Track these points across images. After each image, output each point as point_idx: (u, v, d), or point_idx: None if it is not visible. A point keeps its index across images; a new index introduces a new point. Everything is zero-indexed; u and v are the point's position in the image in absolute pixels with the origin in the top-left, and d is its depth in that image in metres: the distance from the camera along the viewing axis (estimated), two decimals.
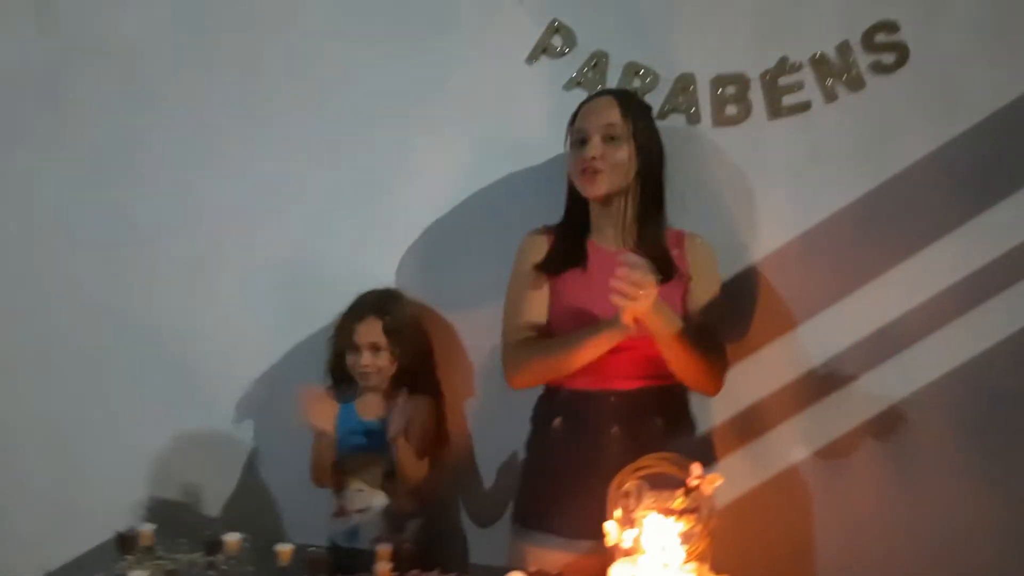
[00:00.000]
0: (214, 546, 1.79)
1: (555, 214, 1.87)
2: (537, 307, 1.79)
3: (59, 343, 2.41)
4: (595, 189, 1.75)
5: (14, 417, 2.45)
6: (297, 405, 1.93)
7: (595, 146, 1.73)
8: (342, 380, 2.06)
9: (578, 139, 1.78)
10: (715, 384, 1.75)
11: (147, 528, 1.85)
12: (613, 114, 1.75)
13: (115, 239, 2.34)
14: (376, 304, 2.03)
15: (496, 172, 2.09)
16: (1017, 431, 1.87)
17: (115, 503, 2.34)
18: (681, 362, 1.67)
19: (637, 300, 1.51)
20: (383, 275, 2.13)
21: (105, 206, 2.34)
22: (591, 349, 1.66)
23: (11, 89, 2.37)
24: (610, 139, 1.73)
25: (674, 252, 1.77)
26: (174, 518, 2.31)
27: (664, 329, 1.60)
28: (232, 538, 1.81)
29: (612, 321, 1.60)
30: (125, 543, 1.79)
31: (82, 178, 2.35)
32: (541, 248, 1.81)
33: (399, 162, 2.15)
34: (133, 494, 2.36)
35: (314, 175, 2.20)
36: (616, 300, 1.52)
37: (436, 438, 2.05)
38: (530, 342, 1.75)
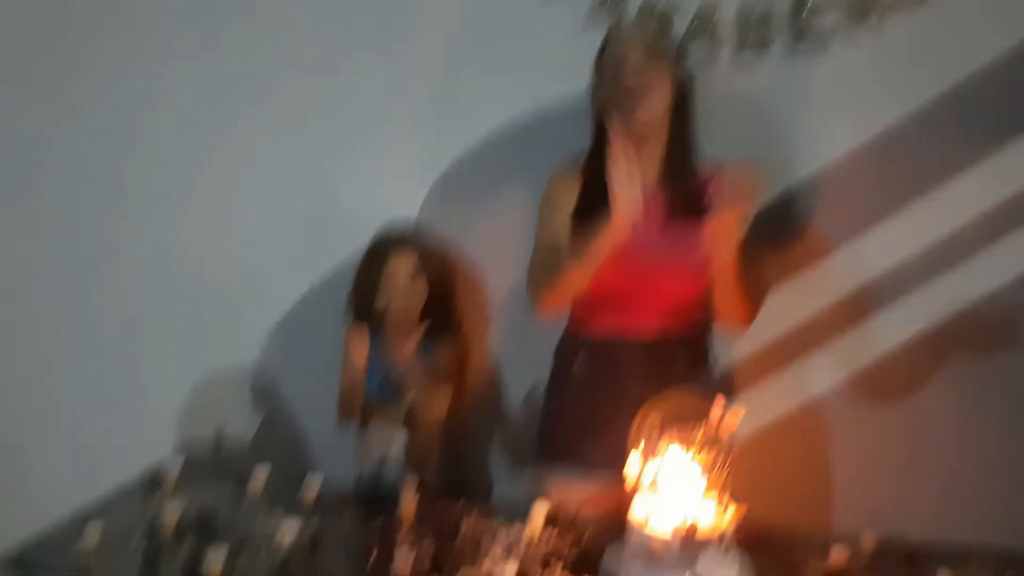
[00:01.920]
0: (243, 480, 1.84)
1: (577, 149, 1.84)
2: (561, 242, 1.76)
3: (84, 284, 2.43)
4: (639, 112, 1.67)
5: (45, 359, 2.49)
6: (342, 344, 1.94)
7: (635, 64, 1.66)
8: (365, 317, 2.07)
9: (613, 64, 1.70)
10: (749, 320, 1.73)
11: (176, 464, 1.89)
12: (647, 38, 1.72)
13: (133, 177, 2.34)
14: (406, 237, 2.03)
15: (517, 108, 2.05)
16: None
17: (144, 441, 2.40)
18: (729, 291, 1.65)
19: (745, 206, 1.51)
20: (403, 211, 2.12)
21: (123, 146, 2.33)
22: (597, 251, 1.61)
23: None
24: (649, 59, 1.68)
25: (708, 189, 1.74)
26: (203, 454, 2.36)
27: (731, 251, 1.59)
28: (261, 472, 1.85)
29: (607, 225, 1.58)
30: (155, 479, 1.84)
31: (97, 115, 2.33)
32: (570, 187, 1.77)
33: (420, 98, 2.12)
34: (162, 432, 2.41)
35: (335, 110, 2.18)
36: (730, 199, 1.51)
37: (459, 374, 2.07)
38: (554, 260, 1.72)
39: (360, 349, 1.97)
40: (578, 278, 1.66)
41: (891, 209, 1.89)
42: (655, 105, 1.68)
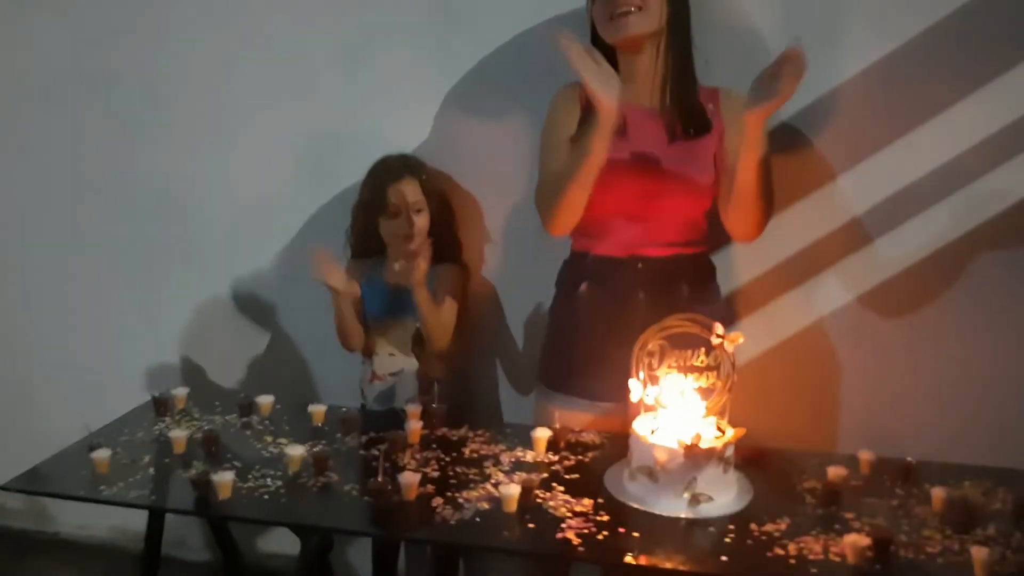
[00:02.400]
0: (248, 408, 1.86)
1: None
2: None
3: (88, 213, 2.43)
4: (627, 30, 1.65)
5: (55, 291, 2.52)
6: (310, 266, 1.92)
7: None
8: (366, 249, 2.06)
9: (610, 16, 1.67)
10: (760, 229, 1.68)
11: (181, 392, 1.92)
12: None
13: (135, 106, 2.32)
14: (408, 165, 2.02)
15: (516, 28, 2.01)
16: None
17: (149, 369, 2.44)
18: (750, 194, 1.59)
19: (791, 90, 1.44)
20: (401, 138, 2.10)
21: (126, 74, 2.30)
22: (593, 145, 1.56)
23: None
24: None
25: (708, 107, 1.71)
26: (208, 384, 2.39)
27: (760, 145, 1.53)
28: (265, 400, 1.88)
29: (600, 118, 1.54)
30: (161, 406, 1.86)
31: (99, 41, 2.30)
32: (574, 106, 1.74)
33: (418, 21, 2.08)
34: (166, 360, 2.44)
35: (332, 37, 2.14)
36: (785, 82, 1.43)
37: (461, 299, 2.07)
38: (556, 182, 1.68)
39: (331, 271, 1.92)
40: (579, 186, 1.62)
41: (897, 132, 1.86)
42: (647, 23, 1.65)
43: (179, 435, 1.67)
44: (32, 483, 1.58)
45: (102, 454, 1.58)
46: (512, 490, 1.43)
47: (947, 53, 1.81)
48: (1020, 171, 1.81)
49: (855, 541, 1.27)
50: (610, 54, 1.69)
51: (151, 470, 1.61)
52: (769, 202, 1.66)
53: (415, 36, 2.09)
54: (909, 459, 1.55)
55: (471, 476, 1.56)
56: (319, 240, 2.07)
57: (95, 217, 2.43)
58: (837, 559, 1.28)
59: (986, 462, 1.58)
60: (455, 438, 1.74)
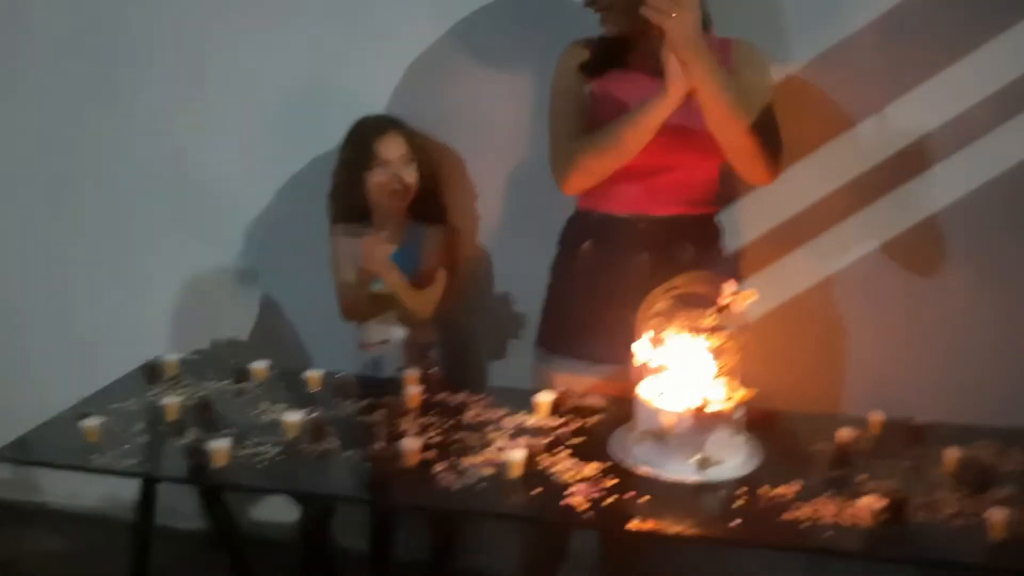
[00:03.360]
0: (241, 374, 1.82)
1: (566, 33, 1.75)
2: (582, 109, 1.68)
3: (69, 184, 2.36)
4: (610, 29, 1.63)
5: (42, 258, 2.45)
6: (360, 254, 1.88)
7: None
8: (350, 213, 1.99)
9: None
10: (769, 170, 1.62)
11: (172, 357, 1.87)
12: None
13: (119, 70, 2.24)
14: (392, 121, 1.95)
15: None
16: None
17: (138, 337, 2.37)
18: (729, 130, 1.54)
19: (671, 17, 1.41)
20: (384, 101, 2.04)
21: (108, 39, 2.22)
22: (643, 124, 1.54)
23: None
24: None
25: (719, 56, 1.64)
26: (198, 350, 2.33)
27: (709, 76, 1.47)
28: (259, 365, 1.83)
29: (659, 95, 1.50)
30: (152, 372, 1.81)
31: (73, 3, 2.22)
32: (583, 55, 1.70)
33: None
34: (155, 328, 2.39)
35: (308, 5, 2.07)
36: (648, 14, 1.41)
37: (450, 262, 2.02)
38: (580, 139, 1.64)
39: (380, 259, 1.87)
40: (619, 155, 1.58)
41: (910, 83, 1.81)
42: None
43: (171, 402, 1.62)
44: (21, 452, 1.53)
45: (92, 422, 1.53)
46: (516, 455, 1.40)
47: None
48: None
49: (870, 503, 1.24)
50: None
51: (144, 438, 1.56)
52: (772, 150, 1.60)
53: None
54: (919, 420, 1.52)
55: (473, 442, 1.53)
56: (299, 203, 2.00)
57: (81, 184, 2.36)
58: (851, 522, 1.25)
59: (996, 423, 1.55)
60: (454, 403, 1.70)
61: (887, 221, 1.87)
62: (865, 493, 1.29)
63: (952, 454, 1.40)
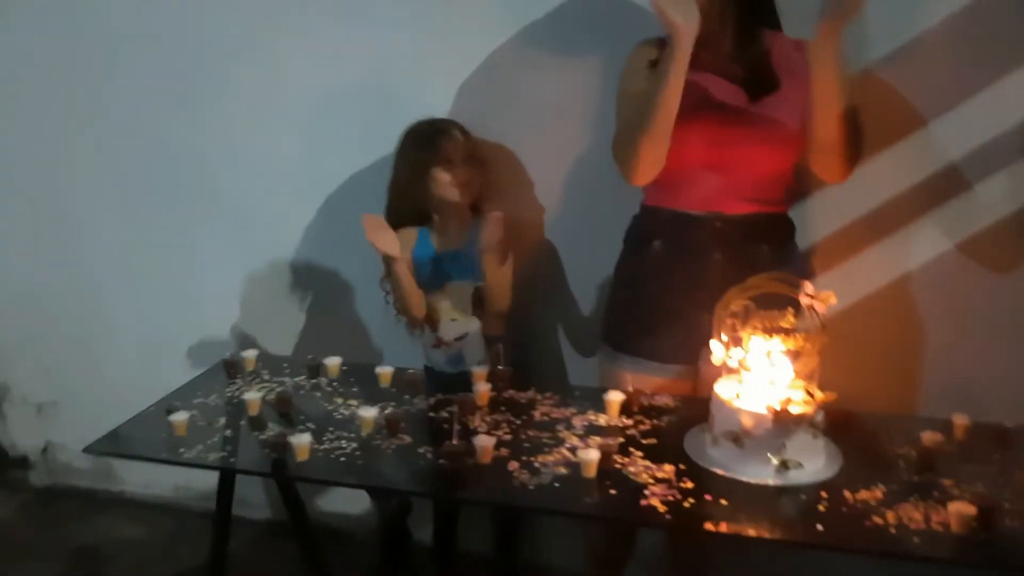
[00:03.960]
0: (316, 370, 1.85)
1: (624, 40, 1.74)
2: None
3: (149, 188, 2.43)
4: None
5: (123, 259, 2.53)
6: (363, 233, 1.87)
7: None
8: (407, 219, 1.98)
9: None
10: (848, 168, 1.60)
11: (251, 354, 1.91)
12: None
13: (191, 75, 2.29)
14: (449, 124, 1.97)
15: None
16: None
17: (218, 334, 2.44)
18: (830, 124, 1.51)
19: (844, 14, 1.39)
20: (437, 106, 2.05)
21: (166, 41, 2.28)
22: (668, 77, 1.50)
23: None
24: None
25: (794, 55, 1.61)
26: (271, 347, 2.38)
27: (837, 64, 1.45)
28: (333, 362, 1.86)
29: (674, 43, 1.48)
30: (231, 368, 1.86)
31: (141, 13, 2.27)
32: (652, 54, 1.68)
33: None
34: (229, 326, 2.46)
35: (362, 5, 2.09)
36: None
37: (511, 259, 2.03)
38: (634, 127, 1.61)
39: (383, 237, 1.86)
40: (659, 124, 1.54)
41: (985, 80, 1.76)
42: None
43: (253, 397, 1.66)
44: (113, 445, 1.59)
45: (180, 416, 1.58)
46: (591, 455, 1.40)
47: None
48: None
49: (960, 509, 1.22)
50: None
51: (227, 432, 1.61)
52: (855, 143, 1.57)
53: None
54: (1007, 424, 1.48)
55: (545, 440, 1.53)
56: (363, 204, 2.03)
57: (161, 185, 2.42)
58: (940, 528, 1.23)
59: None
60: (523, 400, 1.71)
61: (963, 219, 1.82)
62: (952, 499, 1.26)
63: None
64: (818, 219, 1.89)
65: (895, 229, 1.87)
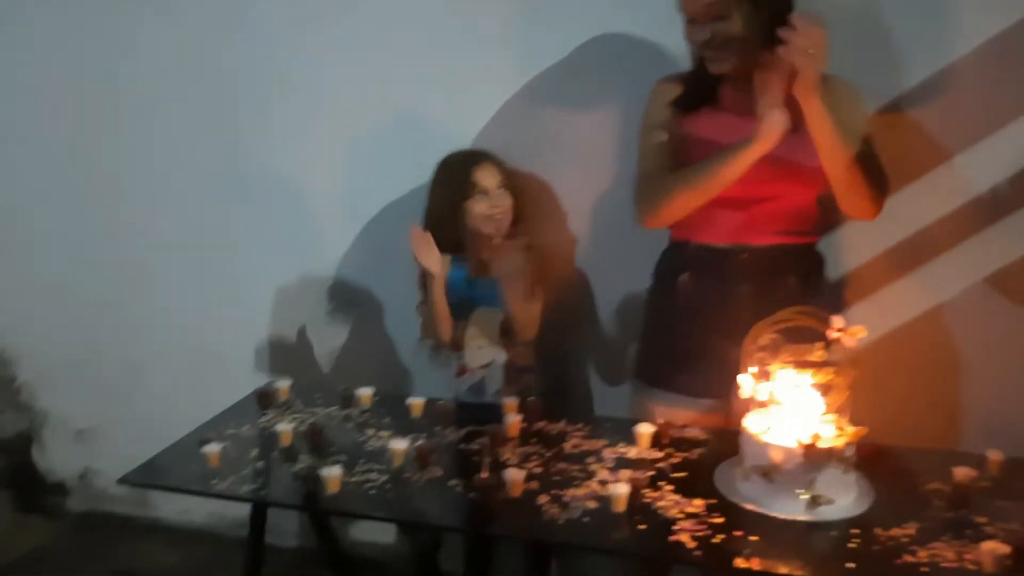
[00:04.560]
0: (348, 400, 1.88)
1: (645, 77, 1.78)
2: (672, 146, 1.70)
3: (187, 213, 2.48)
4: (719, 67, 1.62)
5: (157, 284, 2.57)
6: (408, 245, 1.91)
7: (702, 31, 1.58)
8: (441, 246, 1.98)
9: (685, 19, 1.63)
10: (875, 205, 1.62)
11: (284, 383, 1.94)
12: None
13: (229, 103, 2.35)
14: (483, 153, 2.00)
15: (589, 34, 1.99)
16: None
17: (251, 363, 2.48)
18: (838, 165, 1.54)
19: (811, 56, 1.42)
20: (474, 135, 2.10)
21: (216, 70, 2.33)
22: (735, 165, 1.55)
23: None
24: (715, 19, 1.57)
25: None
26: (304, 375, 2.41)
27: (825, 115, 1.49)
28: (365, 392, 1.89)
29: (753, 139, 1.52)
30: (264, 398, 1.89)
31: (192, 41, 2.33)
32: (673, 91, 1.71)
33: (499, 20, 2.06)
34: (264, 352, 2.49)
35: (414, 36, 2.13)
36: (789, 53, 1.43)
37: (543, 289, 2.04)
38: (667, 176, 1.67)
39: (428, 253, 1.90)
40: (707, 193, 1.60)
41: (1013, 114, 1.76)
42: (735, 53, 1.58)
43: (285, 428, 1.69)
44: (148, 476, 1.62)
45: (213, 448, 1.61)
46: (621, 489, 1.40)
47: None
48: None
49: (993, 548, 1.20)
50: None
51: (259, 463, 1.63)
52: (877, 181, 1.59)
53: (500, 30, 2.06)
54: None
55: (575, 473, 1.54)
56: (400, 231, 2.07)
57: (199, 211, 2.46)
58: (973, 567, 1.21)
59: None
60: (554, 432, 1.72)
61: (994, 251, 1.81)
62: (986, 537, 1.25)
63: None
64: (849, 250, 1.90)
65: (926, 260, 1.87)
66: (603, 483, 1.48)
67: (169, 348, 2.60)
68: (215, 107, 2.37)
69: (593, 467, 1.56)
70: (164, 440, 1.72)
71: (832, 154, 1.53)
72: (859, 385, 1.47)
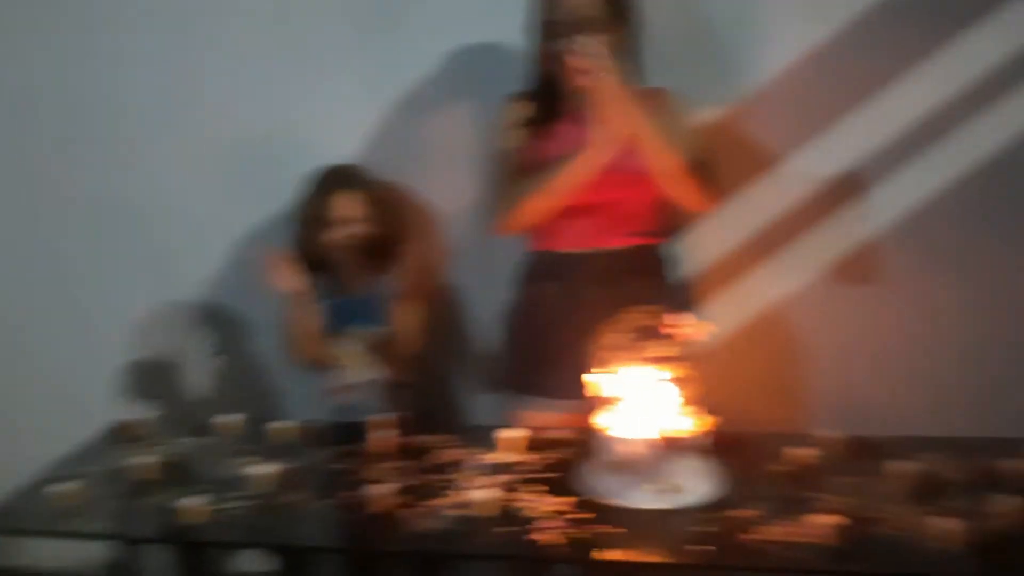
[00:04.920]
0: (211, 428, 1.82)
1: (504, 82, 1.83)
2: (523, 158, 1.75)
3: (26, 234, 2.36)
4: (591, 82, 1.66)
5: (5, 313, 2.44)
6: (263, 271, 1.90)
7: (585, 43, 1.62)
8: (310, 262, 2.00)
9: (554, 33, 1.69)
10: (706, 198, 1.71)
11: (143, 415, 1.87)
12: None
13: (75, 123, 2.26)
14: (346, 177, 1.99)
15: (452, 44, 2.04)
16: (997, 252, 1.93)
17: (105, 397, 2.37)
18: (664, 168, 1.63)
19: (599, 75, 1.52)
20: (342, 149, 2.09)
21: (62, 95, 2.24)
22: (574, 173, 1.63)
23: None
24: (598, 25, 1.64)
25: (650, 106, 1.71)
26: (164, 406, 2.33)
27: (638, 125, 1.58)
28: (231, 419, 1.84)
29: (587, 149, 1.60)
30: (122, 432, 1.81)
31: (40, 66, 2.24)
32: (523, 108, 1.78)
33: (352, 37, 2.06)
34: (123, 387, 2.39)
35: (267, 50, 2.12)
36: (578, 78, 1.52)
37: (416, 303, 2.05)
38: (516, 184, 1.72)
39: (285, 274, 1.90)
40: (557, 196, 1.66)
41: (844, 110, 1.90)
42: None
43: (144, 461, 1.63)
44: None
45: (67, 487, 1.53)
46: (488, 494, 1.42)
47: (883, 33, 1.86)
48: (969, 142, 1.87)
49: (827, 521, 1.28)
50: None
51: (118, 499, 1.56)
52: (707, 181, 1.68)
53: (361, 42, 2.07)
54: (876, 436, 1.57)
55: (444, 483, 1.55)
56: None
57: (45, 237, 2.36)
58: (812, 540, 1.29)
59: (958, 433, 1.61)
60: (425, 445, 1.72)
61: (832, 241, 1.95)
62: (824, 511, 1.33)
63: (908, 468, 1.45)
64: (701, 248, 2.00)
65: (772, 254, 1.99)
66: (473, 490, 1.49)
67: (18, 386, 2.46)
68: (63, 119, 2.27)
69: (464, 476, 1.57)
70: (14, 483, 1.63)
71: (657, 158, 1.62)
72: (714, 376, 1.55)
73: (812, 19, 1.88)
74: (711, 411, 1.49)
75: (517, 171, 1.75)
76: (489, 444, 1.68)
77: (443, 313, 2.17)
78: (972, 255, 1.91)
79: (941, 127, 1.88)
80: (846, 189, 1.93)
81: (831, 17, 1.87)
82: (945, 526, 1.26)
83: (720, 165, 1.73)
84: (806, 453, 1.51)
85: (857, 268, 1.96)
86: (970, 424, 1.67)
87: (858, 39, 1.87)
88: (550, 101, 1.74)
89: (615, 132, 1.58)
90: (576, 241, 1.74)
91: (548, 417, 1.76)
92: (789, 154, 1.94)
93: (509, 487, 1.48)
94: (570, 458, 1.62)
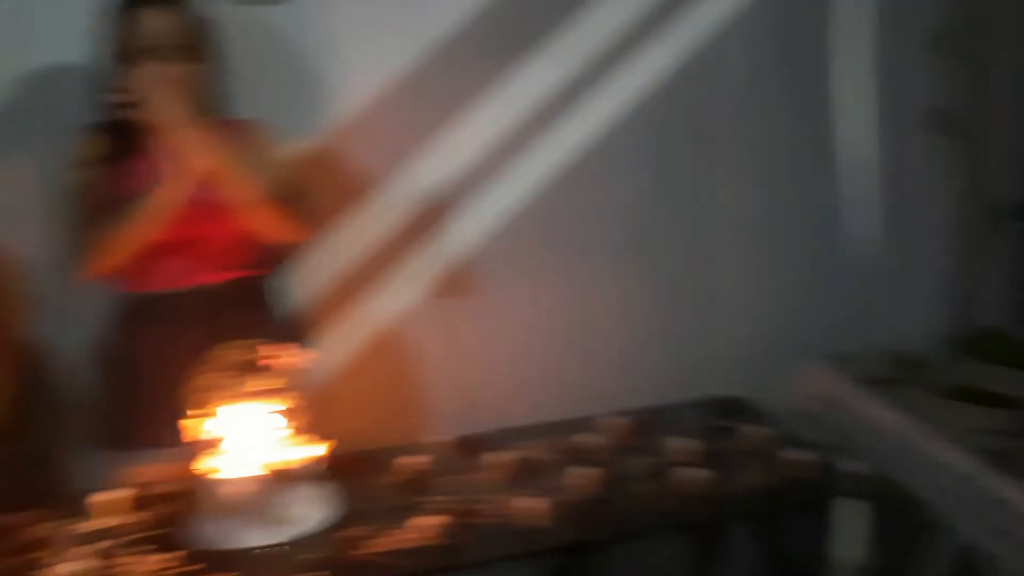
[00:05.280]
0: None
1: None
2: (103, 195, 1.63)
3: None
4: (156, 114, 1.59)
5: None
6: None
7: (160, 71, 1.57)
8: None
9: (129, 60, 1.59)
10: (297, 227, 1.71)
11: None
12: (167, 22, 1.59)
13: None
14: None
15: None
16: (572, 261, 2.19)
17: None
18: (245, 199, 1.62)
19: (166, 108, 1.53)
20: None
21: None
22: (153, 210, 1.57)
23: None
24: (173, 55, 1.58)
25: (233, 136, 1.68)
26: None
27: (213, 156, 1.57)
28: None
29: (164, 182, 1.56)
30: None
31: None
32: (98, 143, 1.66)
33: None
34: None
35: None
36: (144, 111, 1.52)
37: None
38: (102, 224, 1.60)
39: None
40: (137, 241, 1.58)
41: (430, 131, 2.05)
42: (192, 95, 1.61)
43: None
44: None
45: None
46: (77, 567, 1.29)
47: (459, 58, 2.03)
48: (541, 159, 2.10)
49: (431, 522, 1.36)
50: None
51: None
52: (295, 209, 1.69)
53: None
54: (480, 432, 1.70)
55: (29, 563, 1.37)
56: None
57: None
58: (419, 543, 1.35)
59: (564, 416, 1.77)
60: (8, 524, 1.51)
61: (431, 258, 2.09)
62: (430, 513, 1.40)
63: (509, 457, 1.58)
64: (310, 276, 2.00)
65: (380, 274, 2.07)
66: (61, 565, 1.34)
67: None
68: None
69: (53, 551, 1.40)
70: None
71: (237, 190, 1.61)
72: (333, 400, 1.56)
73: (390, 46, 1.98)
74: (327, 436, 1.49)
75: (97, 211, 1.62)
76: (89, 510, 1.52)
77: (31, 372, 1.92)
78: (553, 265, 2.15)
79: (517, 143, 2.09)
80: (436, 207, 2.07)
81: (408, 45, 1.99)
82: (532, 504, 1.40)
83: (313, 194, 1.75)
84: (417, 460, 1.59)
85: (453, 282, 2.10)
86: (562, 408, 1.85)
87: (439, 64, 2.01)
88: (124, 134, 1.63)
89: (190, 166, 1.54)
90: (170, 280, 1.65)
91: (155, 470, 1.64)
92: (385, 177, 2.02)
93: (106, 554, 1.36)
94: (181, 510, 1.52)
